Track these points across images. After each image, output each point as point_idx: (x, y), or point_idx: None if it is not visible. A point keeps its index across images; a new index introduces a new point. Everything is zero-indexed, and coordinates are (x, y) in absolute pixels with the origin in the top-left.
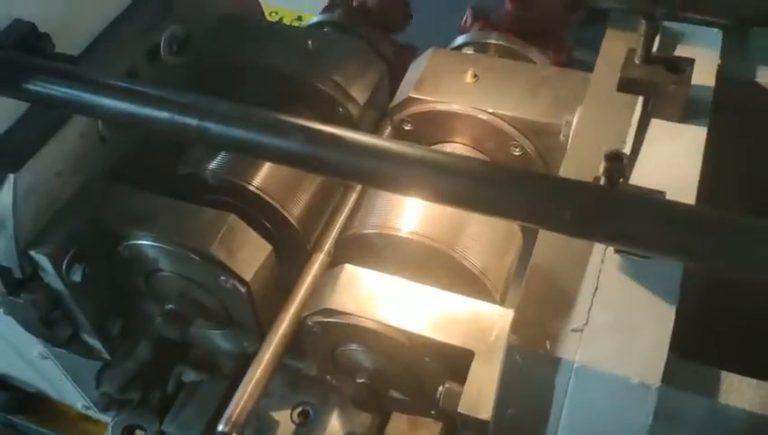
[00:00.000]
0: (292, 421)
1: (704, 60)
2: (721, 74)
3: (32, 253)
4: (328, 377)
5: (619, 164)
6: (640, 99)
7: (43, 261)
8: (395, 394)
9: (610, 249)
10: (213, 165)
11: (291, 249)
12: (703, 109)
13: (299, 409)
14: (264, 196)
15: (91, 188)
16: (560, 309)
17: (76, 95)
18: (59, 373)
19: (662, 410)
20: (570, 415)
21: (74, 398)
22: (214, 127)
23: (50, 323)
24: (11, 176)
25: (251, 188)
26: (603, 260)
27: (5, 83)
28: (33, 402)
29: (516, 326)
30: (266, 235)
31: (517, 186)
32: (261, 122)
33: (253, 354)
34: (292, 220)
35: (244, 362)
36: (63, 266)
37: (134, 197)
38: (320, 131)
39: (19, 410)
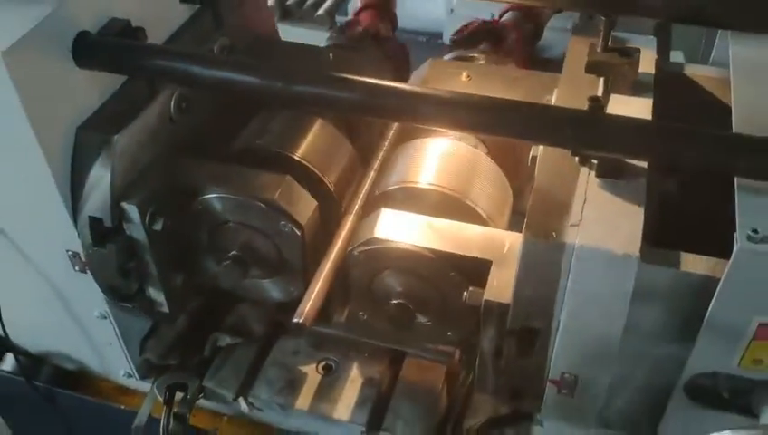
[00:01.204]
0: (318, 373)
1: (645, 55)
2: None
3: (123, 204)
4: (360, 313)
5: (598, 102)
6: (602, 79)
7: (132, 211)
8: (421, 319)
9: (592, 174)
10: (262, 141)
11: (327, 210)
12: (647, 87)
13: (323, 363)
14: (307, 164)
15: (165, 156)
16: (559, 214)
17: (178, 67)
18: (108, 339)
19: (638, 286)
20: (573, 287)
21: (117, 365)
22: (294, 87)
23: (125, 273)
24: (114, 137)
25: (296, 157)
26: (588, 181)
27: (120, 63)
28: (72, 379)
29: (529, 226)
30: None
31: (533, 114)
32: (326, 80)
33: (297, 300)
34: (330, 185)
35: (273, 330)
36: (147, 216)
37: (203, 163)
38: (376, 84)
39: (61, 385)
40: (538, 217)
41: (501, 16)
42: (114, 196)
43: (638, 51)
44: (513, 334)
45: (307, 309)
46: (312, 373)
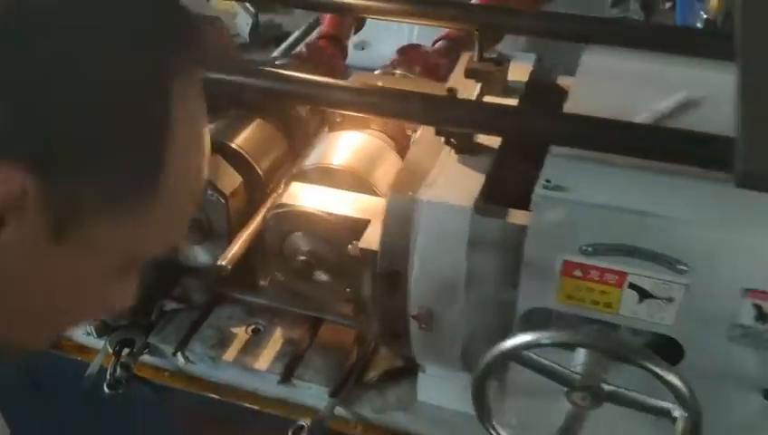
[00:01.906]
0: (246, 334)
1: (522, 66)
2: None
3: None
4: (278, 274)
5: (453, 91)
6: (479, 85)
7: None
8: (322, 276)
9: (452, 151)
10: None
11: (256, 191)
12: (518, 91)
13: (252, 326)
14: (240, 151)
15: None
16: (420, 179)
17: None
18: None
19: (474, 235)
20: (422, 236)
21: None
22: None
23: None
24: None
25: (232, 145)
26: (448, 157)
27: None
28: None
29: (393, 186)
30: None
31: (403, 97)
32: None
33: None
34: (259, 170)
35: (212, 299)
36: None
37: None
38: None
39: None
40: (403, 181)
41: (434, 44)
42: None
43: (508, 60)
44: (381, 277)
45: (230, 256)
46: (242, 334)
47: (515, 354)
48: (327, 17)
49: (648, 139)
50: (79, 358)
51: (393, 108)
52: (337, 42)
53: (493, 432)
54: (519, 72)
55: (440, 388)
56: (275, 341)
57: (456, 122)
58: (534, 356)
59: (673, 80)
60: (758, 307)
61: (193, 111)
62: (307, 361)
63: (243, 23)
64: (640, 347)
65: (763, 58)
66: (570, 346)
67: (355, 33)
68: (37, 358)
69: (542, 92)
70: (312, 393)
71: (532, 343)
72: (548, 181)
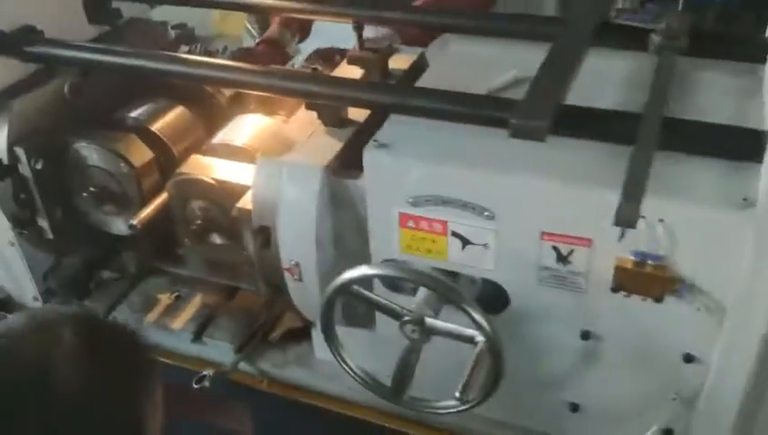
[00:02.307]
0: (169, 299)
1: (409, 56)
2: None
3: (15, 148)
4: (186, 241)
5: (316, 69)
6: (361, 71)
7: (21, 154)
8: (217, 239)
9: (323, 126)
10: (134, 114)
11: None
12: (396, 76)
13: (175, 294)
14: (158, 133)
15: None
16: (288, 147)
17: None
18: (21, 266)
19: (332, 193)
20: (284, 194)
21: (27, 291)
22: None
23: (21, 204)
24: (11, 102)
25: (152, 129)
26: (318, 129)
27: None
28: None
29: (263, 153)
30: (157, 159)
31: (282, 75)
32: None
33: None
34: (173, 150)
35: (143, 271)
36: (31, 159)
37: (80, 126)
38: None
39: None
40: (273, 148)
41: None
42: (9, 143)
43: (392, 51)
44: (254, 233)
45: (141, 216)
46: (165, 300)
47: (347, 289)
48: (271, 26)
49: (459, 105)
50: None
51: (262, 83)
52: (276, 45)
53: (341, 362)
54: (403, 61)
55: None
56: (193, 306)
57: (310, 94)
58: (365, 291)
59: (510, 61)
60: (556, 249)
61: (156, 399)
62: (219, 323)
63: None
64: (446, 281)
65: None
66: (388, 278)
67: (300, 41)
68: None
69: (414, 76)
70: (220, 351)
71: (356, 279)
72: (375, 141)
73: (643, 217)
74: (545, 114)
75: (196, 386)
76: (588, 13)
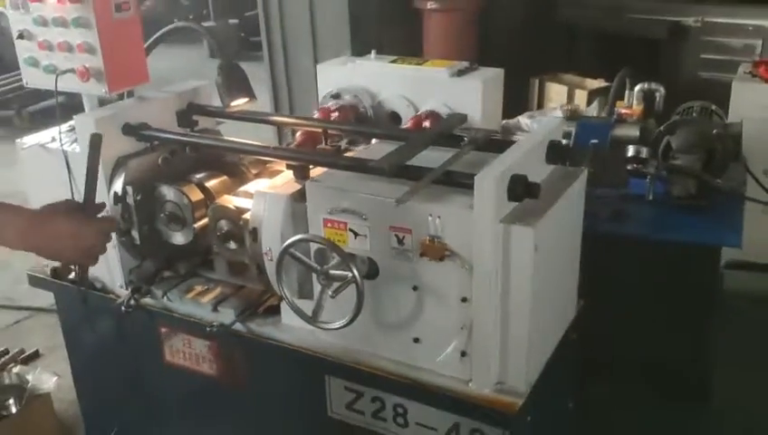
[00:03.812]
0: (201, 288)
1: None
2: None
3: (126, 187)
4: (215, 247)
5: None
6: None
7: (129, 190)
8: (232, 244)
9: (294, 178)
10: (196, 176)
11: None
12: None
13: (205, 287)
14: (207, 187)
15: (152, 173)
16: (273, 187)
17: (159, 136)
18: (117, 263)
19: (290, 209)
20: (266, 210)
21: (117, 281)
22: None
23: (124, 220)
24: (128, 162)
25: (204, 183)
26: (292, 180)
27: (137, 135)
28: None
29: (256, 192)
30: (205, 200)
31: (270, 151)
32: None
33: None
34: (214, 196)
35: (190, 271)
36: (132, 192)
37: (164, 178)
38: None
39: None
40: (263, 188)
41: None
42: (124, 184)
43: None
44: (249, 233)
45: (194, 227)
46: (199, 288)
47: (286, 250)
48: None
49: (351, 162)
50: (111, 296)
51: (264, 153)
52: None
53: (286, 297)
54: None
55: (291, 311)
56: (214, 292)
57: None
58: (297, 253)
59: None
60: (397, 236)
61: None
62: (228, 302)
63: None
64: (335, 244)
65: None
66: (305, 241)
67: None
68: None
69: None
70: (227, 316)
71: (291, 243)
72: (312, 180)
73: (431, 215)
74: (391, 164)
75: (208, 330)
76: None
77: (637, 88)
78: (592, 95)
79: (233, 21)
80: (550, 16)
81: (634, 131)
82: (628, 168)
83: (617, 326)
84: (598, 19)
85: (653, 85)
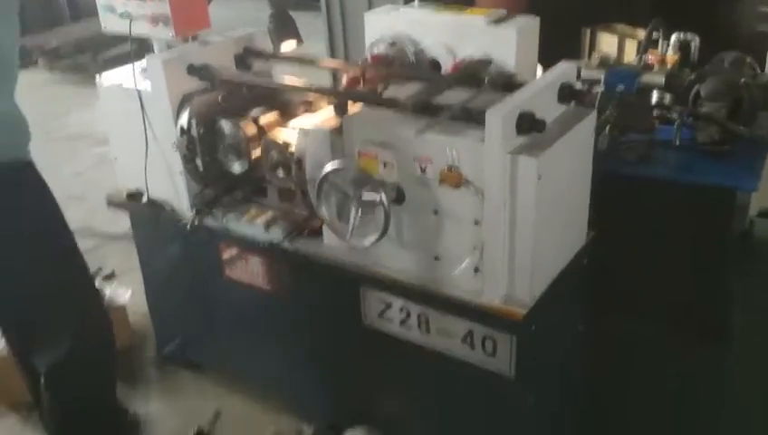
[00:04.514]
0: (255, 212)
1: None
2: None
3: (191, 120)
4: (267, 174)
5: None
6: None
7: (193, 123)
8: (281, 172)
9: (335, 114)
10: (252, 113)
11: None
12: None
13: (261, 208)
14: (260, 122)
15: (213, 109)
16: (315, 123)
17: (218, 73)
18: (183, 189)
19: (330, 141)
20: (309, 143)
21: (184, 205)
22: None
23: (189, 150)
24: (194, 98)
25: (258, 120)
26: (333, 115)
27: (200, 75)
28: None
29: (301, 127)
30: (258, 133)
31: (318, 89)
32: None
33: None
34: (266, 130)
35: (246, 196)
36: (195, 125)
37: (224, 113)
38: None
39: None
40: (308, 124)
41: None
42: (188, 118)
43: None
44: (295, 162)
45: (250, 160)
46: (253, 212)
47: (326, 178)
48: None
49: (383, 101)
50: (178, 216)
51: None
52: None
53: (323, 216)
54: None
55: (331, 233)
56: (267, 214)
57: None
58: (336, 180)
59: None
60: (420, 166)
61: None
62: (278, 224)
63: None
64: (371, 178)
65: None
66: (342, 171)
67: None
68: (158, 213)
69: None
70: (276, 235)
71: (330, 171)
72: (347, 117)
73: (449, 147)
74: (414, 102)
75: (261, 246)
76: None
77: (672, 38)
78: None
79: None
80: None
81: (660, 78)
82: (654, 114)
83: (637, 263)
84: None
85: (688, 35)
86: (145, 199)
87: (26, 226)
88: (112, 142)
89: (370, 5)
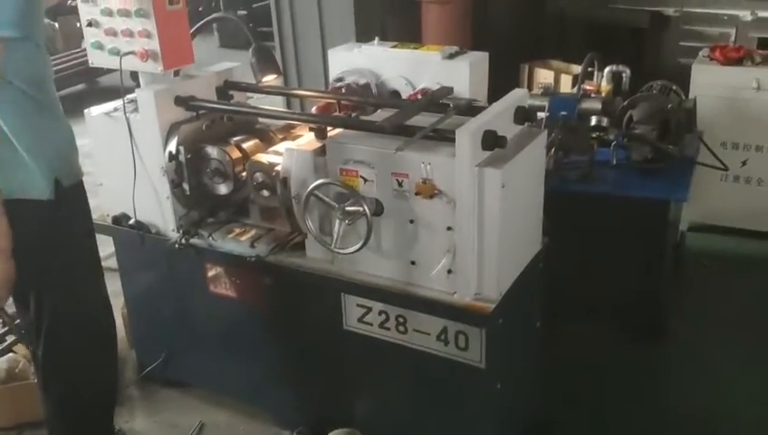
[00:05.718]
0: (240, 230)
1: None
2: None
3: (179, 147)
4: (251, 195)
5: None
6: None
7: (181, 150)
8: (265, 192)
9: (314, 138)
10: (234, 139)
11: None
12: None
13: (244, 229)
14: (243, 147)
15: (199, 136)
16: (298, 145)
17: (202, 105)
18: (170, 211)
19: (312, 162)
20: (292, 165)
21: (169, 227)
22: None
23: (176, 175)
24: (180, 126)
25: (242, 145)
26: (312, 138)
27: (187, 105)
28: (153, 232)
29: (286, 150)
30: (242, 158)
31: (294, 115)
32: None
33: None
34: (248, 154)
35: (228, 218)
36: (183, 151)
37: (209, 140)
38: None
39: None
40: (291, 146)
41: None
42: (176, 145)
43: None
44: (281, 181)
45: (234, 179)
46: (237, 230)
47: (312, 193)
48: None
49: (361, 124)
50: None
51: (288, 117)
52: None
53: (308, 229)
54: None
55: (314, 245)
56: (250, 233)
57: (308, 121)
58: (320, 194)
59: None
60: (397, 180)
61: None
62: (262, 240)
63: None
64: (354, 191)
65: None
66: (327, 185)
67: None
68: (144, 235)
69: None
70: (261, 250)
71: (316, 186)
72: (329, 140)
73: (423, 163)
74: (391, 124)
75: (248, 260)
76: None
77: (606, 70)
78: (576, 79)
79: (241, 12)
80: (542, 7)
81: (597, 104)
82: (593, 135)
83: (584, 269)
84: (586, 9)
85: (620, 67)
86: (132, 221)
87: (81, 229)
88: (99, 169)
89: (324, 45)
